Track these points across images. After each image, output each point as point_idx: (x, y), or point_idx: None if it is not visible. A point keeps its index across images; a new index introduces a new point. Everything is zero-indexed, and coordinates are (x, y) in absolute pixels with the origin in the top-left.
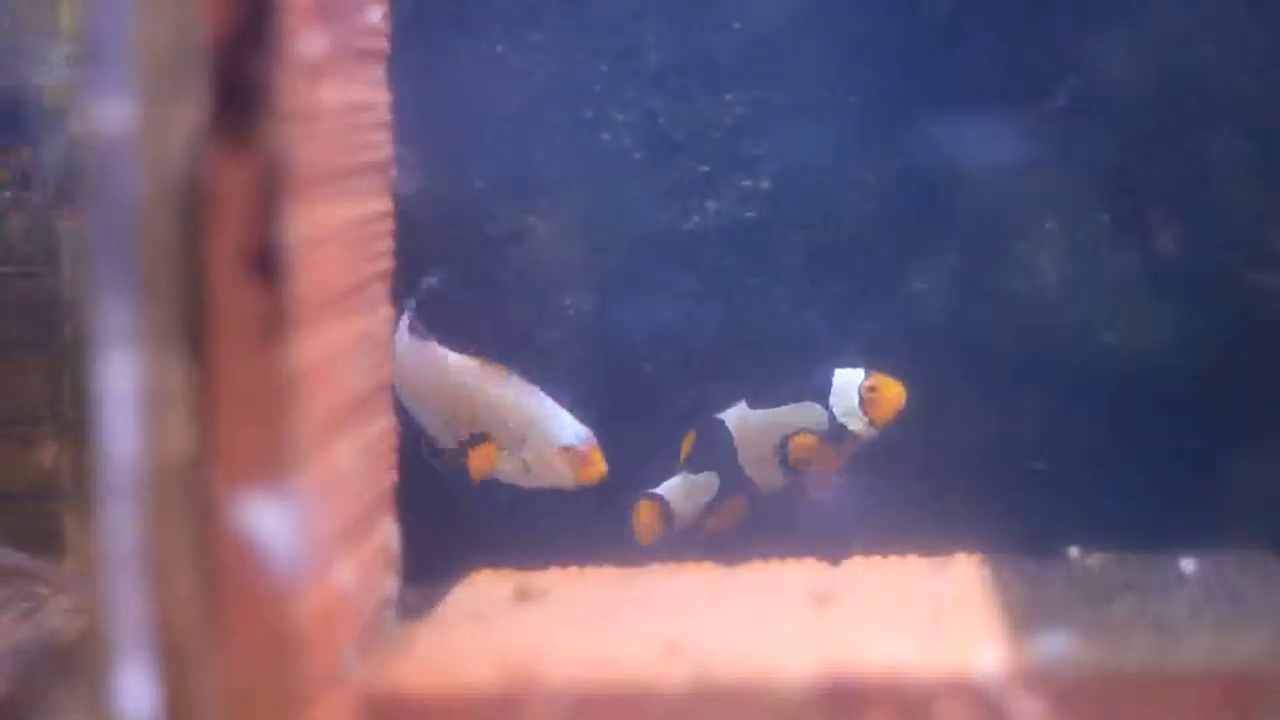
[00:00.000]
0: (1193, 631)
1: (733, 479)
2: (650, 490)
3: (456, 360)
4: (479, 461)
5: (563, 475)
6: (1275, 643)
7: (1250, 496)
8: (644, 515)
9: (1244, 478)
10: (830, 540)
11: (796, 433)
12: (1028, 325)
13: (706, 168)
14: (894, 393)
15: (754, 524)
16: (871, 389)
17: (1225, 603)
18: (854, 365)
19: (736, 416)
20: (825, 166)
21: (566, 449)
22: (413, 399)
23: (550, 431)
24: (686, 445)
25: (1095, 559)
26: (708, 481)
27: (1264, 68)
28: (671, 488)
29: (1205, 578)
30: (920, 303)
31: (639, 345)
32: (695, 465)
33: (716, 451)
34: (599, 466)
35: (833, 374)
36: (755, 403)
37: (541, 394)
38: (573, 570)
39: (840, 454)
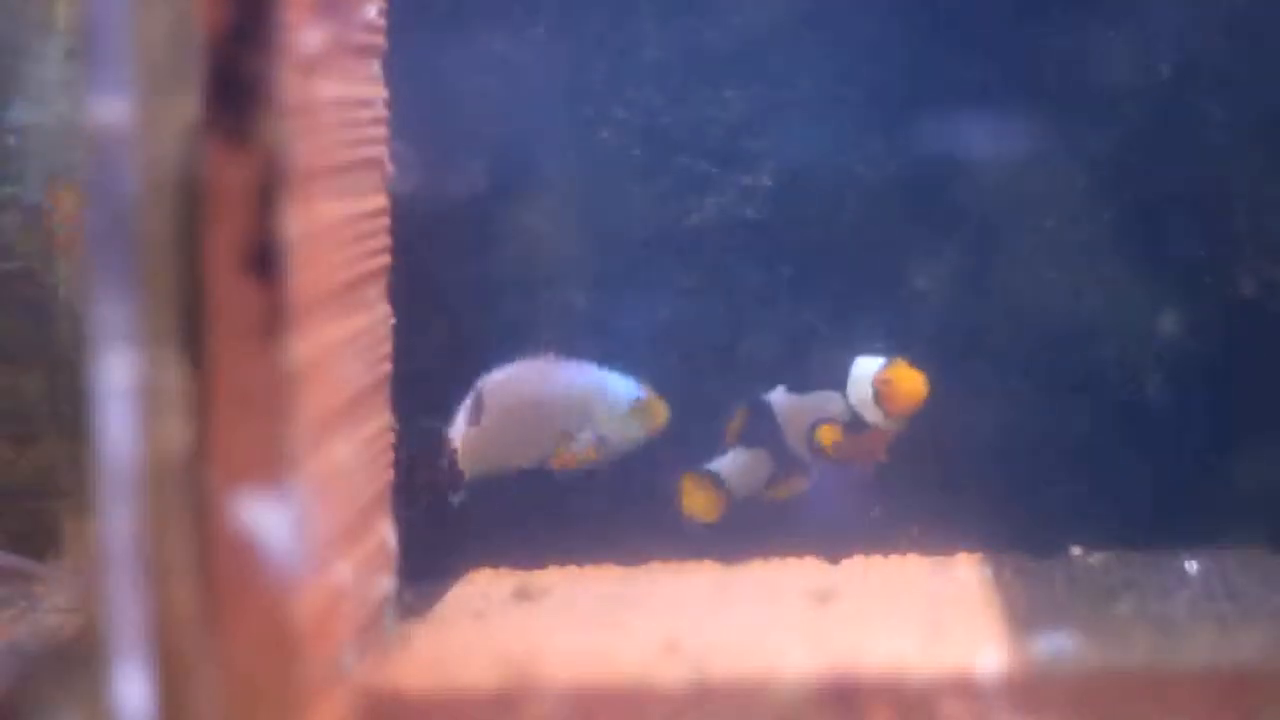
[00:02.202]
0: (1194, 630)
1: (783, 458)
2: (701, 467)
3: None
4: (565, 457)
5: (634, 432)
6: (1276, 641)
7: (1251, 495)
8: (695, 492)
9: (1245, 476)
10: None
11: (820, 421)
12: (1029, 324)
13: (705, 164)
14: (911, 385)
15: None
16: (885, 381)
17: (1226, 601)
18: (876, 353)
19: (776, 399)
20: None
21: (636, 402)
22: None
23: (611, 397)
24: (737, 422)
25: (1097, 558)
26: (761, 458)
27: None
28: (727, 464)
29: (1206, 576)
30: (921, 300)
31: (639, 342)
32: (747, 442)
33: (764, 431)
34: (663, 413)
35: (853, 362)
36: (792, 388)
37: (584, 366)
38: (572, 570)
39: (870, 443)
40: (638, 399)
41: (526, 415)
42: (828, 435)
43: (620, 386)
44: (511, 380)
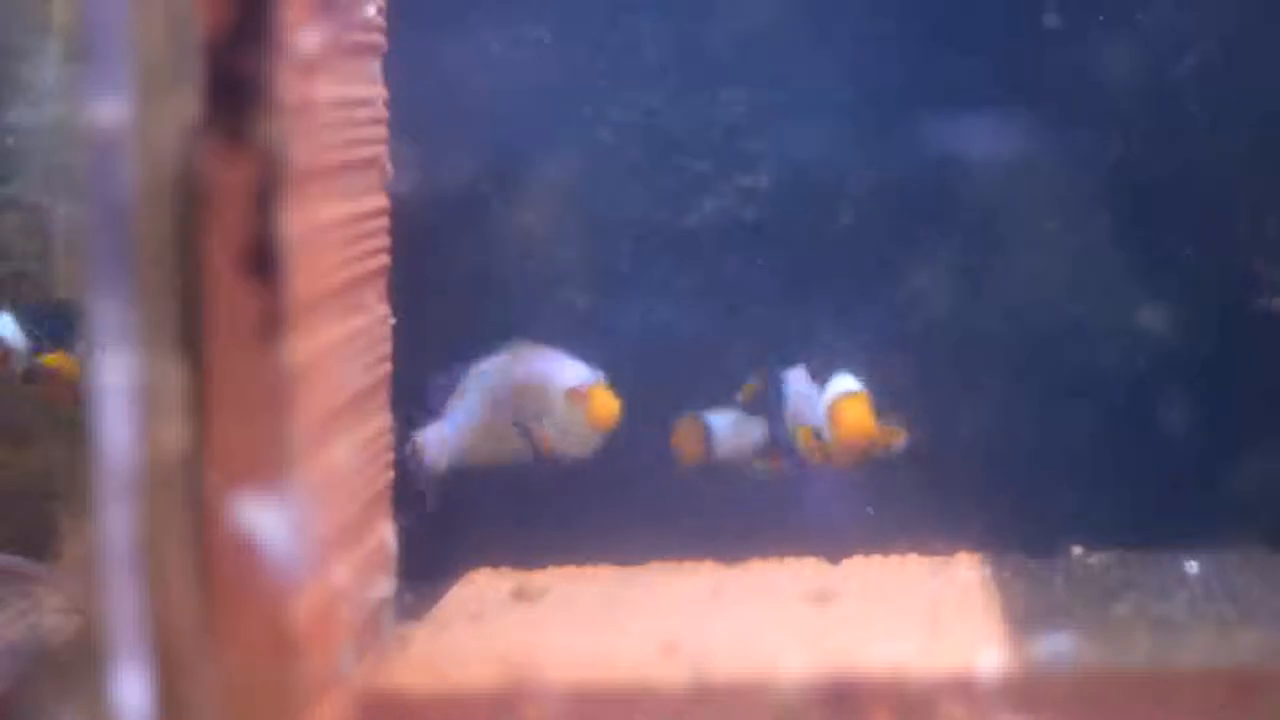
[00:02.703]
0: (1194, 631)
1: (777, 434)
2: (698, 412)
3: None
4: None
5: (579, 424)
6: (1276, 642)
7: (1251, 495)
8: (685, 434)
9: (1245, 476)
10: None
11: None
12: (1029, 325)
13: (704, 164)
14: (853, 421)
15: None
16: (835, 408)
17: (1226, 602)
18: (854, 374)
19: (792, 378)
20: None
21: (570, 393)
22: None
23: (554, 383)
24: (750, 388)
25: (1096, 558)
26: (753, 425)
27: None
28: (721, 418)
29: (1206, 577)
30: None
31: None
32: (750, 408)
33: (768, 402)
34: (608, 405)
35: (833, 374)
36: (814, 371)
37: (549, 354)
38: (571, 569)
39: (851, 451)
40: (572, 389)
41: (506, 404)
42: (806, 438)
43: (569, 374)
44: (499, 369)
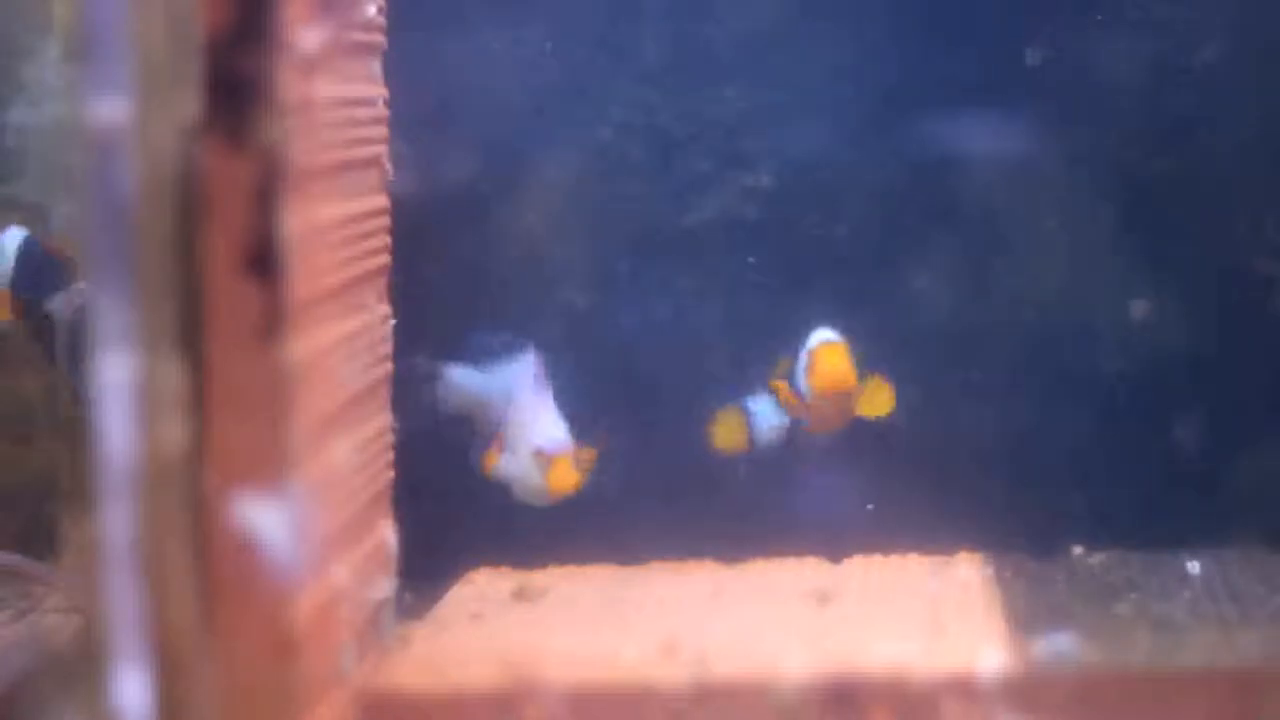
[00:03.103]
0: (1195, 631)
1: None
2: (739, 401)
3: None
4: (490, 456)
5: (534, 479)
6: (1276, 642)
7: (1251, 495)
8: (727, 424)
9: (1245, 477)
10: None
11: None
12: (1030, 323)
13: (704, 164)
14: (831, 368)
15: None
16: (814, 355)
17: (1227, 602)
18: (836, 330)
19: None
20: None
21: (538, 452)
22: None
23: (530, 433)
24: (781, 369)
25: (1097, 558)
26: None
27: None
28: (761, 405)
29: (1208, 577)
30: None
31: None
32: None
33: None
34: (568, 476)
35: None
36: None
37: (546, 394)
38: (572, 569)
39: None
40: (540, 449)
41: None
42: (783, 393)
43: (545, 433)
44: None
